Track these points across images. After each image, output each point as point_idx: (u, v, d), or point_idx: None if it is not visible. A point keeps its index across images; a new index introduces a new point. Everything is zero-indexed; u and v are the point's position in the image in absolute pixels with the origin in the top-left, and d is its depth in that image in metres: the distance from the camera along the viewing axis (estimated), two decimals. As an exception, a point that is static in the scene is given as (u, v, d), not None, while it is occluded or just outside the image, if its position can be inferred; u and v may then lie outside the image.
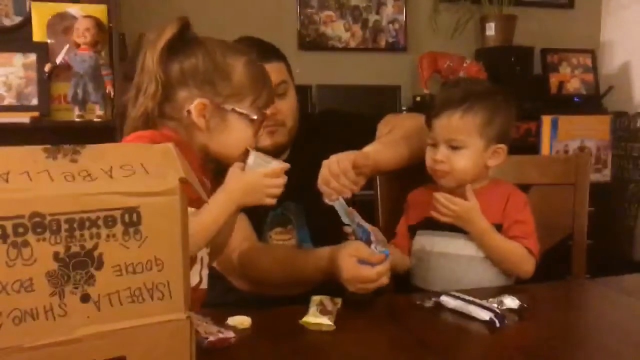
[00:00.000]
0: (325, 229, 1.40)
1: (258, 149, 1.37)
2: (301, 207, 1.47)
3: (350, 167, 1.28)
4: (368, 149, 1.37)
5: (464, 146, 1.29)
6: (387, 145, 1.43)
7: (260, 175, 1.06)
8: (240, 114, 1.08)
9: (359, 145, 1.37)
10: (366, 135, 1.47)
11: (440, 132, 1.30)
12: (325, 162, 1.30)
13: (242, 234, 1.38)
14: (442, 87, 1.34)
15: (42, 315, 0.60)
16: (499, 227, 1.30)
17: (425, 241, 1.37)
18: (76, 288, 0.61)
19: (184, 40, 1.08)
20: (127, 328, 0.64)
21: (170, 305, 0.66)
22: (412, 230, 1.41)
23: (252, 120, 1.09)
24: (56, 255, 0.60)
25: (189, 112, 1.06)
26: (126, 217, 0.63)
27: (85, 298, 0.62)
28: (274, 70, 1.33)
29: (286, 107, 1.43)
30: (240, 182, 1.05)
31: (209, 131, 1.07)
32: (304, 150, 1.46)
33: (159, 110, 1.06)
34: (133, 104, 1.09)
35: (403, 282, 1.40)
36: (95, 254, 0.62)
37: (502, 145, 1.31)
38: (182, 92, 1.06)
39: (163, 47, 1.05)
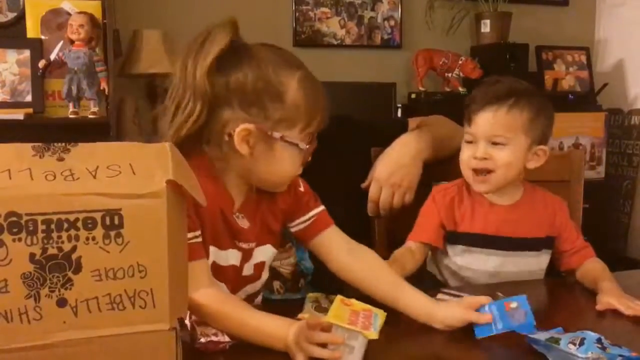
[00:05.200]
0: None
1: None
2: None
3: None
4: (422, 143, 1.35)
5: (507, 143, 1.21)
6: (439, 142, 1.40)
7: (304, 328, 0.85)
8: (290, 143, 0.95)
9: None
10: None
11: (483, 128, 1.22)
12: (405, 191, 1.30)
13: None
14: (482, 83, 1.30)
15: (17, 318, 0.58)
16: (550, 240, 1.30)
17: (485, 260, 1.29)
18: (52, 292, 0.59)
19: (232, 50, 0.93)
20: (105, 336, 0.61)
21: (153, 315, 0.63)
22: (450, 239, 1.31)
23: (301, 150, 0.97)
24: (32, 257, 0.58)
25: (230, 135, 0.93)
26: (107, 219, 0.61)
27: (61, 302, 0.60)
28: None
29: None
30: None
31: (252, 158, 0.95)
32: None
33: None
34: (170, 120, 0.93)
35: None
36: (74, 257, 0.60)
37: (543, 147, 1.26)
38: (225, 111, 0.93)
39: (213, 60, 0.91)
